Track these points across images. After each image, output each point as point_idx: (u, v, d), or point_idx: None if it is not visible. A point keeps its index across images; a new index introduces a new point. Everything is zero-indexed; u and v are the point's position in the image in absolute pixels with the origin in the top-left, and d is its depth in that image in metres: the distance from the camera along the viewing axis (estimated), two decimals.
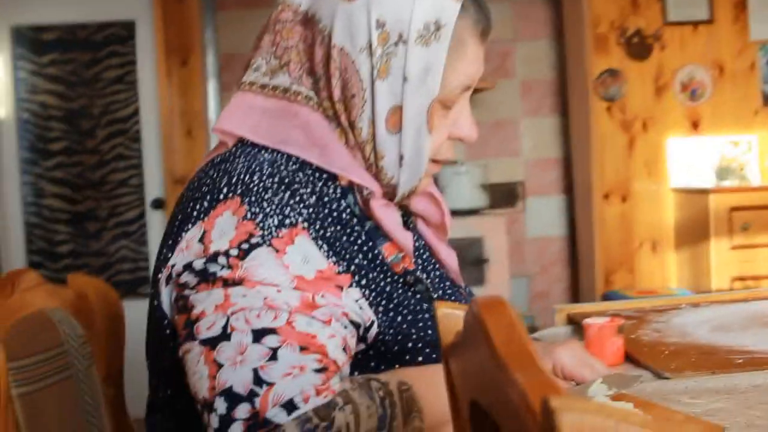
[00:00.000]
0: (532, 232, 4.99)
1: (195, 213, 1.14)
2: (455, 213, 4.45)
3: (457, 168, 4.53)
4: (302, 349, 1.06)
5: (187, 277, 1.11)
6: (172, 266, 1.13)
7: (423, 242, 1.37)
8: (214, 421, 1.04)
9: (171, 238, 1.16)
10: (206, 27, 4.67)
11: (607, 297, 4.46)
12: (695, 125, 4.58)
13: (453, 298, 1.32)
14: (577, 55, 4.68)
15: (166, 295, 1.16)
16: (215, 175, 1.17)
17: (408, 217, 1.38)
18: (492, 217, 4.45)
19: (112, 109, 4.64)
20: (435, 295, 1.27)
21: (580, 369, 1.35)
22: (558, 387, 0.57)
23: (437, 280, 1.33)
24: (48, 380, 1.35)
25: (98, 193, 4.64)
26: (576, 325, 1.87)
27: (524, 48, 4.96)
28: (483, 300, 0.70)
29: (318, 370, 1.06)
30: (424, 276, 1.30)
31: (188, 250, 1.12)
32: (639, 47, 4.55)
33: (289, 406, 1.02)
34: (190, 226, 1.14)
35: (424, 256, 1.34)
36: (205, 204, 1.14)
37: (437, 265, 1.36)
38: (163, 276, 1.15)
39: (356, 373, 1.18)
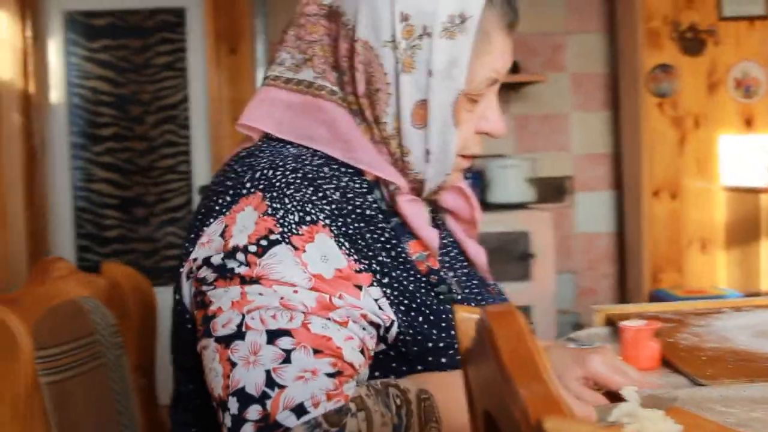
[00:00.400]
0: (580, 227, 4.94)
1: (217, 207, 1.13)
2: (502, 207, 4.43)
3: (505, 161, 4.50)
4: (316, 352, 1.04)
5: (206, 272, 1.10)
6: (193, 260, 1.13)
7: (452, 239, 1.35)
8: (227, 420, 1.04)
9: (193, 232, 1.15)
10: (256, 15, 4.68)
11: (654, 296, 4.40)
12: (748, 123, 4.50)
13: (480, 296, 1.30)
14: (629, 49, 4.62)
15: (187, 289, 1.15)
16: (239, 170, 1.16)
17: (437, 213, 1.36)
18: (539, 212, 4.41)
19: (161, 96, 4.68)
20: (461, 294, 1.25)
21: (612, 376, 1.31)
22: (560, 404, 0.55)
23: (464, 278, 1.31)
24: (77, 369, 1.36)
25: (146, 178, 4.68)
26: (615, 326, 1.84)
27: (576, 41, 4.90)
28: (493, 309, 0.68)
29: (331, 375, 1.04)
30: (451, 274, 1.28)
31: (209, 244, 1.11)
32: (692, 42, 4.47)
33: (299, 410, 1.01)
34: (212, 220, 1.13)
35: (452, 254, 1.32)
36: (228, 198, 1.13)
37: (465, 263, 1.34)
38: (184, 270, 1.15)
39: (377, 374, 1.16)
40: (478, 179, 4.57)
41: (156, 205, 4.68)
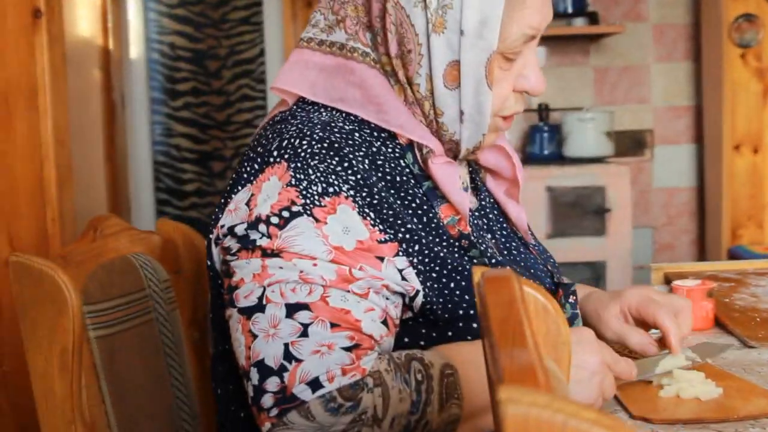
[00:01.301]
0: (659, 182, 4.85)
1: (246, 175, 1.14)
2: (578, 161, 4.38)
3: (582, 114, 4.43)
4: (333, 326, 1.05)
5: (230, 242, 1.12)
6: (221, 227, 1.15)
7: (492, 200, 1.35)
8: (250, 390, 1.07)
9: (224, 197, 1.17)
10: None
11: (732, 252, 4.31)
12: None
13: (519, 257, 1.30)
14: None
15: (216, 255, 1.18)
16: (270, 136, 1.17)
17: (477, 173, 1.35)
18: (616, 166, 4.34)
19: (238, 50, 4.71)
20: (499, 257, 1.24)
21: (645, 307, 1.30)
22: (536, 372, 0.55)
23: (504, 239, 1.30)
24: (127, 323, 1.39)
25: (224, 133, 4.73)
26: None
27: None
28: (489, 274, 0.68)
29: (348, 348, 1.05)
30: (489, 236, 1.27)
31: (235, 212, 1.13)
32: None
33: (315, 384, 1.03)
34: (240, 187, 1.14)
35: (490, 215, 1.31)
36: (256, 166, 1.14)
37: (505, 224, 1.33)
38: (213, 236, 1.17)
39: (406, 340, 1.17)
40: (554, 132, 4.51)
41: (233, 160, 4.74)
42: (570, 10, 4.51)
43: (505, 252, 1.28)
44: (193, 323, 1.59)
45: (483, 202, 1.32)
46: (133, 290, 1.43)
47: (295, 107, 1.22)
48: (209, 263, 1.20)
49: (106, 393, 1.34)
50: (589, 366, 1.09)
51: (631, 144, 4.80)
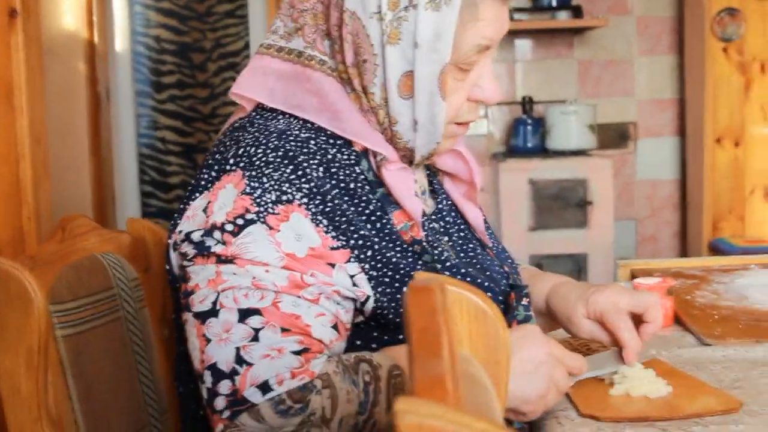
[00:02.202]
0: (643, 174, 4.88)
1: (203, 182, 1.17)
2: (561, 154, 4.40)
3: (566, 107, 4.46)
4: (284, 330, 1.09)
5: (187, 248, 1.15)
6: (179, 233, 1.18)
7: (450, 202, 1.37)
8: (204, 392, 1.11)
9: (183, 203, 1.20)
10: None
11: (713, 245, 4.35)
12: None
13: (476, 259, 1.32)
14: None
15: (174, 260, 1.21)
16: (228, 144, 1.20)
17: (435, 177, 1.37)
18: (599, 159, 4.37)
19: (223, 43, 4.73)
20: (455, 259, 1.26)
21: (609, 317, 1.32)
22: (445, 384, 0.57)
23: (461, 241, 1.33)
24: (94, 322, 1.42)
25: (208, 126, 4.75)
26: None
27: None
28: (414, 284, 0.71)
29: (297, 352, 1.09)
30: (445, 239, 1.30)
31: (193, 219, 1.16)
32: None
33: (264, 387, 1.07)
34: (197, 194, 1.17)
35: (447, 218, 1.33)
36: (213, 174, 1.17)
37: (462, 226, 1.36)
38: (171, 241, 1.20)
39: (358, 343, 1.20)
40: (538, 125, 4.54)
41: None
42: (554, 3, 4.54)
43: (462, 254, 1.31)
44: (162, 321, 1.61)
45: (440, 205, 1.34)
46: (101, 289, 1.45)
47: (253, 114, 1.25)
48: (168, 267, 1.23)
49: (73, 390, 1.36)
50: (535, 358, 1.12)
51: (614, 137, 4.83)
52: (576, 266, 4.31)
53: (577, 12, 4.53)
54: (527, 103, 4.59)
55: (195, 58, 4.74)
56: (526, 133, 4.55)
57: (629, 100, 4.85)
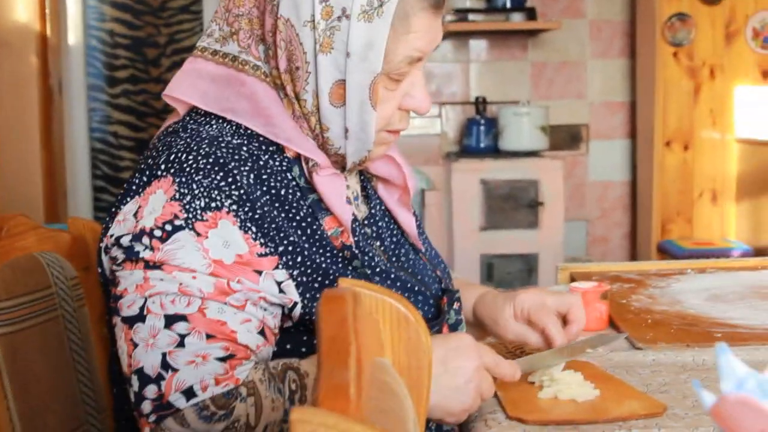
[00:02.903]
0: (594, 175, 4.93)
1: (134, 187, 1.18)
2: (513, 154, 4.44)
3: (518, 109, 4.50)
4: (209, 337, 1.10)
5: (117, 252, 1.16)
6: (110, 236, 1.18)
7: (383, 207, 1.39)
8: (131, 395, 1.13)
9: (115, 207, 1.20)
10: None
11: (661, 246, 4.41)
12: (766, 74, 4.45)
13: (408, 264, 1.34)
14: None
15: (105, 263, 1.21)
16: (161, 149, 1.20)
17: (368, 182, 1.39)
18: (550, 160, 4.42)
19: (177, 39, 4.71)
20: (387, 263, 1.28)
21: (536, 312, 1.38)
22: (347, 392, 0.59)
23: (393, 246, 1.34)
24: (31, 321, 1.42)
25: (161, 121, 4.71)
26: None
27: None
28: (326, 293, 0.73)
29: (222, 359, 1.10)
30: (378, 244, 1.31)
31: (123, 223, 1.16)
32: None
33: (189, 393, 1.09)
34: (129, 198, 1.18)
35: (380, 223, 1.35)
36: (144, 179, 1.17)
37: (395, 231, 1.38)
38: (103, 245, 1.21)
39: (288, 347, 1.21)
40: (491, 126, 4.57)
41: None
42: (509, 5, 4.57)
43: (394, 259, 1.32)
44: (101, 319, 1.61)
45: (373, 210, 1.36)
46: (39, 288, 1.45)
47: (187, 119, 1.25)
48: (99, 270, 1.24)
49: (8, 389, 1.36)
50: (463, 373, 1.15)
51: (566, 138, 4.88)
52: (526, 266, 4.35)
53: (531, 14, 4.57)
54: (480, 104, 4.63)
55: (149, 53, 4.72)
56: (479, 134, 4.59)
57: (581, 103, 4.90)
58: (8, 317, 1.37)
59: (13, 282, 1.40)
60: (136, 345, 1.12)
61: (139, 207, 1.15)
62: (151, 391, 1.10)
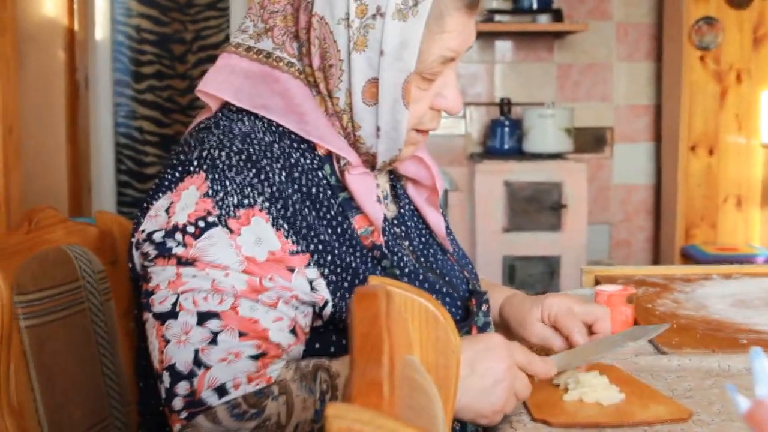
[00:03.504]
0: (618, 179, 4.91)
1: (167, 182, 1.18)
2: (537, 157, 4.43)
3: (543, 110, 4.48)
4: (242, 334, 1.11)
5: (149, 248, 1.16)
6: (141, 232, 1.18)
7: (412, 207, 1.39)
8: (162, 392, 1.13)
9: (146, 202, 1.20)
10: None
11: (685, 251, 4.39)
12: None
13: (436, 264, 1.34)
14: None
15: (136, 258, 1.21)
16: (193, 144, 1.20)
17: (398, 182, 1.39)
18: (574, 163, 4.40)
19: (203, 35, 4.73)
20: (416, 263, 1.28)
21: (563, 317, 1.38)
22: (381, 389, 0.59)
23: (422, 246, 1.34)
24: (58, 314, 1.43)
25: (186, 117, 4.75)
26: None
27: None
28: (359, 290, 0.73)
29: (254, 357, 1.11)
30: (406, 243, 1.31)
31: (156, 219, 1.16)
32: None
33: (221, 390, 1.09)
34: (161, 194, 1.18)
35: (409, 223, 1.35)
36: (177, 174, 1.17)
37: (424, 231, 1.38)
38: (134, 240, 1.21)
39: (317, 346, 1.21)
40: (515, 127, 4.56)
41: None
42: (535, 6, 4.56)
43: (422, 259, 1.32)
44: (128, 314, 1.62)
45: (402, 210, 1.36)
46: (67, 281, 1.46)
47: (219, 114, 1.25)
48: (130, 266, 1.24)
49: (35, 381, 1.37)
50: (493, 373, 1.14)
51: (591, 141, 4.86)
52: (549, 269, 4.34)
53: (557, 16, 4.56)
54: (505, 105, 4.62)
55: (175, 49, 4.74)
56: (503, 135, 4.58)
57: (607, 105, 4.89)
58: (36, 309, 1.38)
59: (41, 274, 1.41)
60: (168, 341, 1.12)
61: (172, 203, 1.15)
62: (182, 387, 1.10)
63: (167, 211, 1.15)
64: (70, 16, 4.35)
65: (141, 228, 1.19)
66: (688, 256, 4.33)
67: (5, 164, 2.30)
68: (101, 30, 4.71)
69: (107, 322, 1.56)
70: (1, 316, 1.29)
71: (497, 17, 4.59)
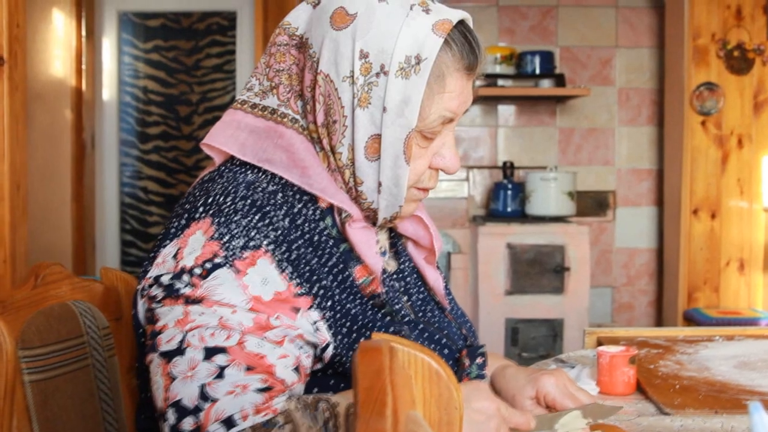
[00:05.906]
0: (621, 242, 4.93)
1: (173, 230, 1.20)
2: (540, 219, 4.45)
3: (546, 174, 4.51)
4: (248, 369, 1.11)
5: (156, 291, 1.17)
6: (148, 278, 1.20)
7: (412, 264, 1.41)
8: (165, 430, 1.12)
9: (153, 252, 1.22)
10: None
11: (688, 315, 4.38)
12: None
13: (434, 320, 1.36)
14: (676, 65, 4.60)
15: (140, 305, 1.23)
16: (198, 194, 1.23)
17: (398, 239, 1.41)
18: (576, 226, 4.42)
19: (209, 97, 4.78)
20: (414, 318, 1.30)
21: (561, 399, 1.37)
22: None
23: (420, 302, 1.36)
24: (62, 369, 1.43)
25: (191, 178, 4.78)
26: None
27: (625, 55, 4.90)
28: (363, 344, 0.74)
29: (261, 390, 1.11)
30: (405, 298, 1.33)
31: (163, 264, 1.18)
32: (739, 61, 4.44)
33: (228, 422, 1.09)
34: (168, 242, 1.20)
35: (408, 279, 1.37)
36: (183, 222, 1.20)
37: (422, 288, 1.39)
38: (140, 287, 1.22)
39: (315, 390, 1.22)
40: (518, 190, 4.59)
41: None
42: (538, 71, 4.62)
43: (420, 314, 1.34)
44: (131, 370, 1.62)
45: (402, 266, 1.38)
46: (71, 336, 1.47)
47: (223, 168, 1.28)
48: (133, 313, 1.25)
49: None
50: (486, 410, 1.15)
51: (593, 204, 4.89)
52: (551, 331, 4.33)
53: (560, 81, 4.61)
54: (508, 168, 4.65)
55: (181, 110, 4.79)
56: (506, 198, 4.60)
57: (609, 169, 4.92)
58: (40, 364, 1.39)
59: (47, 329, 1.42)
60: (173, 378, 1.13)
61: (179, 249, 1.17)
62: (188, 423, 1.10)
63: (174, 256, 1.17)
64: (78, 77, 4.40)
65: (148, 275, 1.20)
66: (691, 320, 4.33)
67: (12, 220, 2.32)
68: (108, 90, 4.76)
69: (111, 378, 1.56)
70: (5, 369, 1.30)
71: (500, 82, 4.64)
